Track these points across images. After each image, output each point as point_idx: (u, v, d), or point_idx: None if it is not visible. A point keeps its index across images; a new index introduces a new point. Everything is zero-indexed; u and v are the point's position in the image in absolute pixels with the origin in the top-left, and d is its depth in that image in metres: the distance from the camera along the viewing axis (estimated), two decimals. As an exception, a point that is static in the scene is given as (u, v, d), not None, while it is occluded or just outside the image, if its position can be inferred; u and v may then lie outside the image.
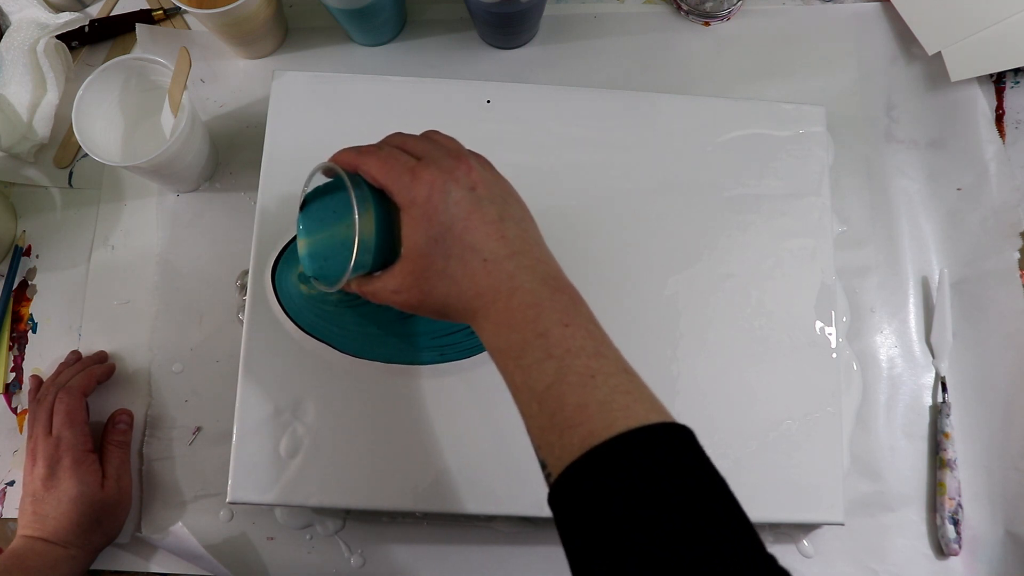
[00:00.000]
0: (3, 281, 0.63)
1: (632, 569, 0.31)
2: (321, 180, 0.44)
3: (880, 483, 0.59)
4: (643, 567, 0.31)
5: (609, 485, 0.33)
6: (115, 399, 0.60)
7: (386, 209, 0.41)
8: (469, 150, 0.43)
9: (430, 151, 0.41)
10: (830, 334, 0.56)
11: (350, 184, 0.40)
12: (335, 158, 0.42)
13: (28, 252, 0.64)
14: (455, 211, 0.39)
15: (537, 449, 0.37)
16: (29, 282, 0.63)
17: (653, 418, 0.35)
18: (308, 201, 0.44)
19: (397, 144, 0.42)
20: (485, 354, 0.48)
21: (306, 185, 0.44)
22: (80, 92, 0.55)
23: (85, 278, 0.62)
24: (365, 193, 0.40)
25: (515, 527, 0.57)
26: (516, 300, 0.38)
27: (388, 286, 0.41)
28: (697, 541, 0.31)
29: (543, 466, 0.37)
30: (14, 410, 0.61)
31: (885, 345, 0.62)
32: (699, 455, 0.35)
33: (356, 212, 0.40)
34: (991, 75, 0.66)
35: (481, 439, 0.52)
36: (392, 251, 0.41)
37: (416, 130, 0.45)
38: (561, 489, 0.35)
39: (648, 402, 0.36)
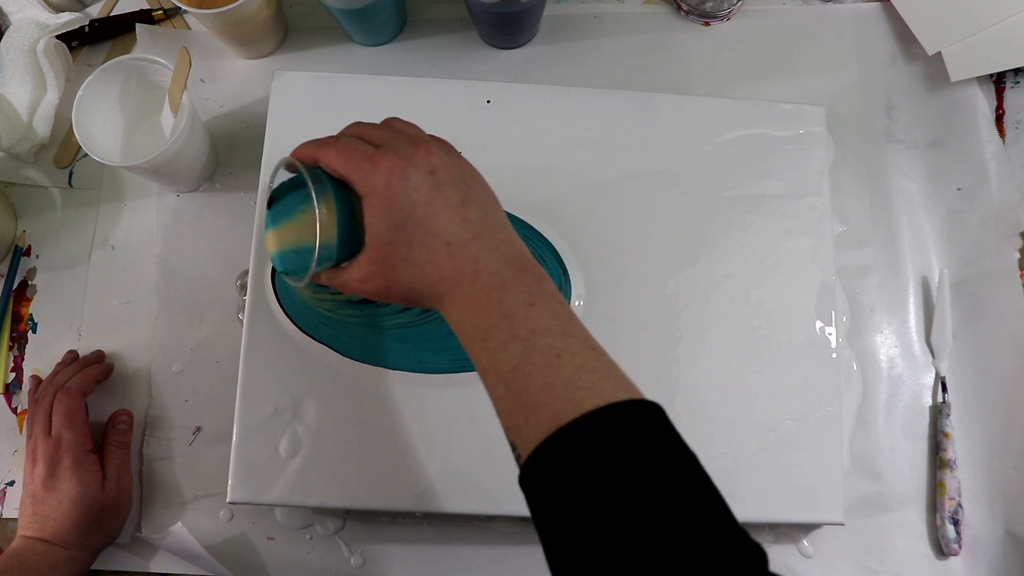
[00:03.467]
0: (3, 281, 0.62)
1: (600, 549, 0.31)
2: (286, 176, 0.44)
3: (880, 483, 0.59)
4: (611, 547, 0.31)
5: (577, 465, 0.33)
6: (115, 399, 0.60)
7: (348, 200, 0.41)
8: (430, 135, 0.43)
9: (388, 138, 0.41)
10: (830, 334, 0.56)
11: (308, 177, 0.40)
12: (295, 152, 0.42)
13: (28, 252, 0.64)
14: (415, 196, 0.39)
15: (507, 431, 0.37)
16: (29, 282, 0.63)
17: (621, 395, 0.34)
18: (275, 198, 0.45)
19: (356, 134, 0.42)
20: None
21: (271, 181, 0.44)
22: (80, 92, 0.55)
23: (85, 278, 0.62)
24: (325, 185, 0.41)
25: (514, 527, 0.57)
26: (480, 282, 0.38)
27: (354, 276, 0.41)
28: (667, 519, 0.31)
29: (513, 448, 0.36)
30: (14, 410, 0.61)
31: (885, 345, 0.62)
32: (668, 431, 0.34)
33: (316, 205, 0.40)
34: (991, 75, 0.65)
35: (480, 439, 0.52)
36: (358, 241, 0.41)
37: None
38: (530, 471, 0.35)
39: (615, 379, 0.36)
